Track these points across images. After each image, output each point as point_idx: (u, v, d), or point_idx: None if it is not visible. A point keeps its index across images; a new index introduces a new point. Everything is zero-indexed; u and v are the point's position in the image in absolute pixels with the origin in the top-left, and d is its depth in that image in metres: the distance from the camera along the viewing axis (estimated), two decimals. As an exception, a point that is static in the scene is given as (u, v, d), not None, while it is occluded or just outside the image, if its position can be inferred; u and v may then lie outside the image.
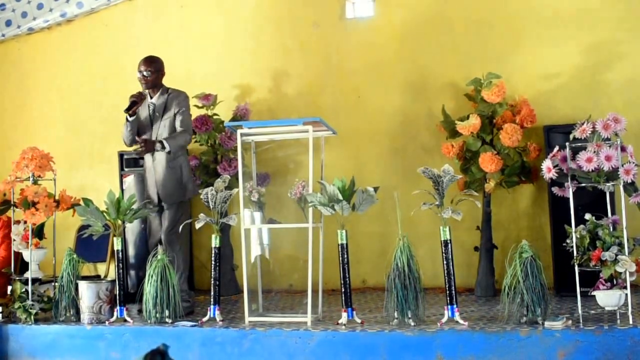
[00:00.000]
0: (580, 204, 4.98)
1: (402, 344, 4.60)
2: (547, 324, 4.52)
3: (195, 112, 6.67)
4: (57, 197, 5.56)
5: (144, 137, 5.59)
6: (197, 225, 5.28)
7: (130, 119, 5.57)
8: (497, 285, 5.97)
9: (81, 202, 5.46)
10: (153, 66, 5.66)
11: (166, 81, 5.83)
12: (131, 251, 6.73)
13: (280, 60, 7.14)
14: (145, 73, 5.63)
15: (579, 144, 4.78)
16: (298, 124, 5.21)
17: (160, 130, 5.61)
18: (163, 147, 5.50)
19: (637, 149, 5.01)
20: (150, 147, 5.51)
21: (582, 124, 4.78)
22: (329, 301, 5.84)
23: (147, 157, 5.67)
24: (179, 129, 5.59)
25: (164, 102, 5.67)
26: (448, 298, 4.82)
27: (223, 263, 5.94)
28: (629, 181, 4.68)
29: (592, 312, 4.87)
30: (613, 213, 4.97)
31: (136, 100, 5.57)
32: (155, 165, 5.60)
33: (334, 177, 5.02)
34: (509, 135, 5.81)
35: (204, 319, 5.19)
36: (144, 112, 5.69)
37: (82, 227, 6.37)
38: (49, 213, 5.47)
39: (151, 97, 5.70)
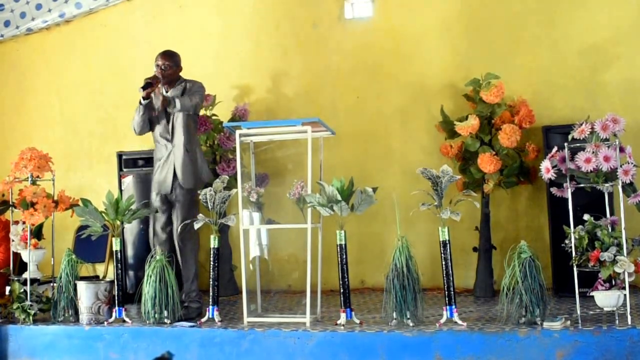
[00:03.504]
0: (579, 205, 4.98)
1: (401, 345, 4.60)
2: (545, 324, 4.52)
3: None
4: (55, 198, 5.56)
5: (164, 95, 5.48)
6: (196, 226, 5.28)
7: (143, 102, 5.47)
8: (496, 285, 5.98)
9: (80, 203, 5.46)
10: (172, 60, 5.60)
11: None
12: (130, 252, 6.72)
13: (279, 61, 7.14)
14: (163, 67, 5.55)
15: (578, 145, 4.79)
16: (297, 124, 5.21)
17: (178, 116, 5.51)
18: (174, 106, 5.45)
19: (636, 149, 5.00)
20: (165, 102, 5.44)
21: (581, 124, 4.78)
22: (328, 302, 5.84)
23: (162, 148, 5.57)
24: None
25: (180, 92, 5.59)
26: (447, 298, 4.82)
27: (222, 264, 5.94)
28: (628, 182, 4.68)
29: (591, 312, 4.87)
30: (612, 214, 4.98)
31: (151, 82, 5.46)
32: (175, 150, 5.51)
33: (333, 177, 5.02)
34: (508, 136, 5.82)
35: (203, 320, 5.19)
36: (158, 103, 5.57)
37: (81, 228, 6.37)
38: (48, 213, 5.47)
39: (167, 92, 5.60)
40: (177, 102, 5.45)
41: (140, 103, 5.49)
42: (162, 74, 5.55)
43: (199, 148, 5.71)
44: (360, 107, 6.91)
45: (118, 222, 5.37)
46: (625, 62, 6.32)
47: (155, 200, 5.58)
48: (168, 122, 5.55)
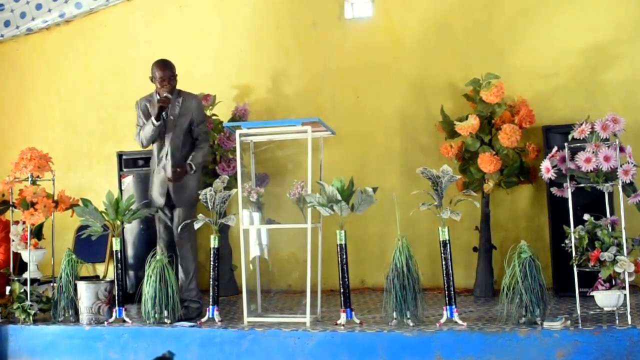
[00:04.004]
0: (579, 205, 4.98)
1: (401, 345, 4.60)
2: (545, 324, 4.52)
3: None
4: (55, 198, 5.56)
5: (173, 169, 5.43)
6: (196, 226, 5.29)
7: (156, 123, 5.40)
8: (496, 285, 5.98)
9: (80, 203, 5.46)
10: (173, 70, 5.51)
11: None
12: (130, 251, 6.72)
13: (279, 61, 7.14)
14: (169, 79, 5.45)
15: (578, 145, 4.79)
16: (297, 124, 5.21)
17: (176, 134, 5.49)
18: (192, 170, 5.46)
19: (636, 149, 5.01)
20: (182, 174, 5.42)
21: (581, 124, 4.78)
22: (328, 301, 5.84)
23: (157, 159, 5.55)
24: (199, 139, 5.56)
25: (178, 105, 5.53)
26: (447, 298, 4.82)
27: (222, 263, 5.94)
28: (628, 181, 4.68)
29: (591, 312, 4.87)
30: (612, 213, 4.98)
31: (164, 106, 5.42)
32: (167, 168, 5.49)
33: (333, 177, 5.02)
34: (508, 136, 5.82)
35: (203, 320, 5.19)
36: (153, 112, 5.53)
37: (81, 228, 6.37)
38: (48, 213, 5.47)
39: (163, 110, 5.50)
40: (194, 166, 5.47)
41: (152, 124, 5.43)
42: (169, 85, 5.46)
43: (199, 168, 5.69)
44: (360, 107, 6.91)
45: (118, 222, 5.37)
46: (625, 62, 6.32)
47: (158, 200, 5.58)
48: (167, 137, 5.52)
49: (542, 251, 5.65)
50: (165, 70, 5.48)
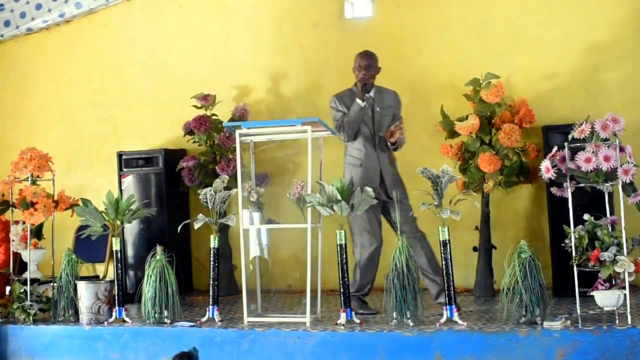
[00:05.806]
0: (579, 204, 4.98)
1: (401, 344, 4.60)
2: (545, 324, 4.52)
3: (193, 113, 6.68)
4: (55, 198, 5.56)
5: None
6: (196, 226, 5.29)
7: (362, 104, 5.45)
8: (496, 285, 5.98)
9: (80, 203, 5.46)
10: (373, 60, 5.67)
11: (165, 81, 5.83)
12: (130, 251, 6.73)
13: (278, 61, 7.14)
14: (366, 67, 5.58)
15: (578, 144, 4.79)
16: (297, 124, 5.22)
17: (383, 124, 5.57)
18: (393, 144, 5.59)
19: (636, 149, 5.00)
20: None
21: (581, 124, 4.78)
22: (328, 301, 5.84)
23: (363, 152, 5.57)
24: None
25: (381, 97, 5.64)
26: (447, 298, 4.82)
27: (222, 263, 5.94)
28: (628, 181, 4.68)
29: (591, 312, 4.87)
30: (612, 213, 4.98)
31: (367, 88, 5.53)
32: (382, 162, 5.58)
33: (333, 177, 5.02)
34: (508, 136, 5.82)
35: (203, 320, 5.19)
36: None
37: (81, 228, 6.37)
38: (48, 213, 5.47)
39: (368, 92, 5.59)
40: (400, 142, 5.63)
41: (358, 105, 5.48)
42: (368, 74, 5.59)
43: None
44: (360, 107, 6.90)
45: (118, 222, 5.37)
46: (625, 61, 6.31)
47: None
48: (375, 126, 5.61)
49: (542, 251, 5.65)
50: (364, 58, 5.63)
